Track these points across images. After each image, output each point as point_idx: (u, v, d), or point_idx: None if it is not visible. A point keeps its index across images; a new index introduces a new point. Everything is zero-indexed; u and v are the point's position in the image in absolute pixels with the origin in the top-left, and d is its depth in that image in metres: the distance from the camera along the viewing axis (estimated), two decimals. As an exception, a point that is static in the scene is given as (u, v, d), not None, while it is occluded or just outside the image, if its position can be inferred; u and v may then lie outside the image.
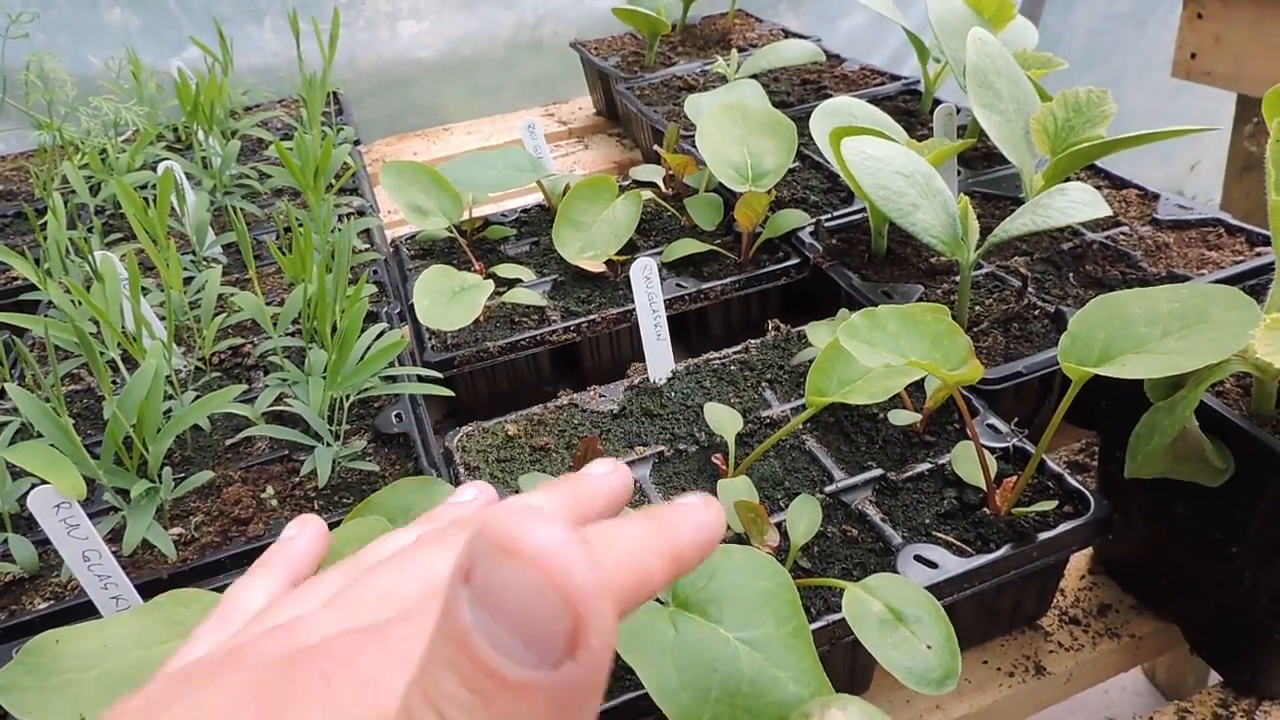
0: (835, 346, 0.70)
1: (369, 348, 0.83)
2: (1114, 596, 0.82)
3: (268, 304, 1.07)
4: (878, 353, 0.62)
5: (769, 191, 1.07)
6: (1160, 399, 0.63)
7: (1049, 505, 0.69)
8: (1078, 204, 0.83)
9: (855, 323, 0.63)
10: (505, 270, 1.12)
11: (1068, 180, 0.95)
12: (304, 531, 0.48)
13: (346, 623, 0.31)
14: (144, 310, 0.92)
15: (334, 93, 1.75)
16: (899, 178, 0.86)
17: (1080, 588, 0.83)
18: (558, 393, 0.92)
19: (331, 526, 0.61)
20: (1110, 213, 0.84)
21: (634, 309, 1.02)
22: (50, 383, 0.67)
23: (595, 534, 0.32)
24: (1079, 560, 0.85)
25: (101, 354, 0.94)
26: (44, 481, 0.64)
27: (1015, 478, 0.71)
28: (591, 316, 1.03)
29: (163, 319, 0.98)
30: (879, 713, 0.37)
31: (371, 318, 1.03)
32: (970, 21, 1.20)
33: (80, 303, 0.91)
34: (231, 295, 0.97)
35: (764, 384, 0.90)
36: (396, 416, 0.87)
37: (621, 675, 0.62)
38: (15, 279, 1.25)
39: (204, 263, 1.17)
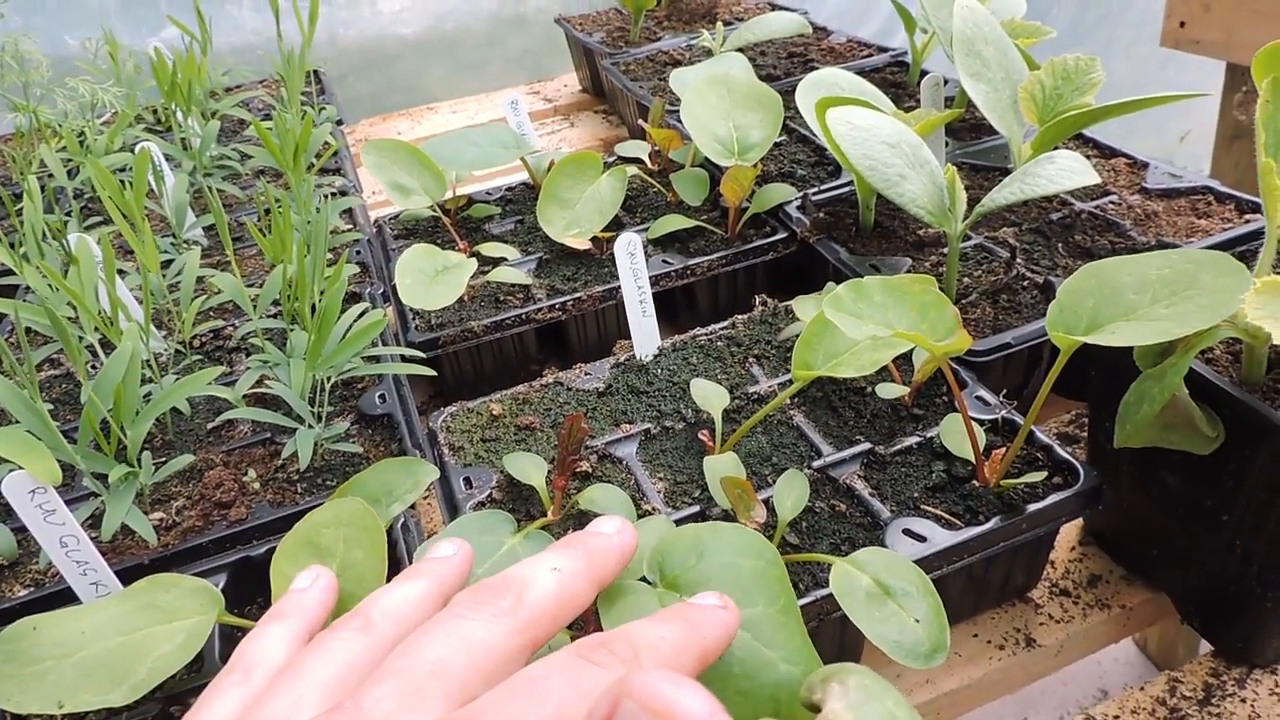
0: (822, 320, 0.69)
1: (350, 328, 0.81)
2: (1104, 567, 0.81)
3: (249, 286, 1.06)
4: (864, 324, 0.61)
5: (755, 165, 1.06)
6: (1150, 367, 0.62)
7: (1038, 476, 0.69)
8: (1066, 172, 0.82)
9: (840, 295, 0.62)
10: (489, 249, 1.10)
11: (1056, 149, 0.94)
12: (316, 584, 0.49)
13: (408, 708, 0.33)
14: (121, 293, 0.91)
15: (315, 72, 1.73)
16: (885, 148, 0.85)
17: (1070, 559, 0.82)
18: (543, 372, 0.91)
19: (314, 508, 0.60)
20: (1098, 180, 0.83)
21: (620, 286, 1.02)
22: (25, 368, 0.66)
23: (640, 632, 0.36)
24: (1069, 531, 0.84)
25: (80, 338, 0.93)
26: (18, 467, 0.63)
27: (1004, 449, 0.71)
28: (577, 294, 1.01)
29: (141, 302, 0.96)
30: (880, 681, 0.37)
31: (354, 298, 1.02)
32: (957, -10, 1.18)
33: (58, 287, 0.90)
34: (211, 277, 0.96)
35: (751, 360, 0.89)
36: (380, 398, 0.86)
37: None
38: (-7, 264, 1.23)
39: (184, 245, 1.16)
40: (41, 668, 0.58)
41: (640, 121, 1.34)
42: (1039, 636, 0.76)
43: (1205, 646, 0.76)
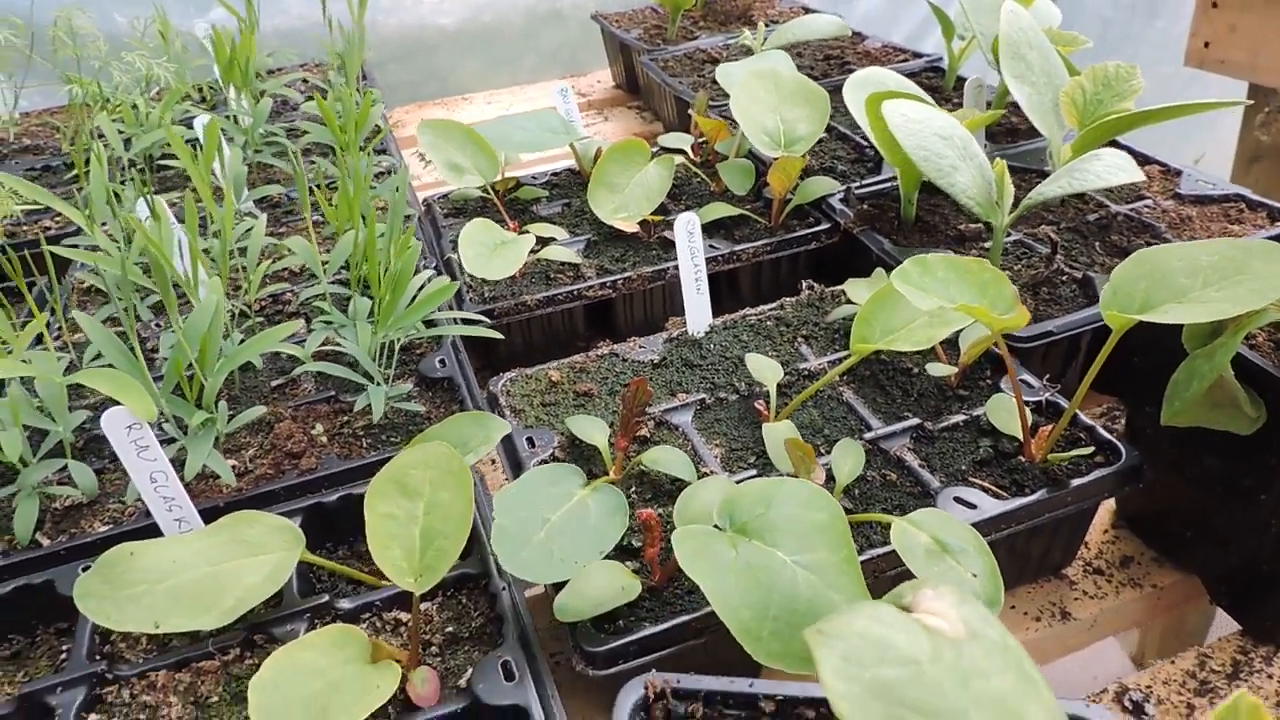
0: (880, 296, 0.73)
1: (418, 293, 0.85)
2: (1136, 549, 0.84)
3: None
4: (929, 297, 0.64)
5: (802, 157, 1.09)
6: (1198, 348, 0.65)
7: (1085, 451, 0.72)
8: (1113, 169, 0.85)
9: (907, 269, 0.65)
10: (539, 229, 1.13)
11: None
12: None
13: None
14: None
15: (359, 57, 1.76)
16: (938, 140, 0.88)
17: (1103, 541, 0.85)
18: (590, 348, 0.94)
19: (382, 463, 0.63)
20: (1144, 178, 0.86)
21: (667, 268, 1.05)
22: (125, 305, 0.69)
23: None
24: (1102, 515, 0.87)
25: (146, 295, 0.97)
26: (114, 403, 0.66)
27: (1050, 427, 0.74)
28: (627, 274, 1.05)
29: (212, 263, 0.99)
30: (969, 594, 0.40)
31: (411, 270, 1.05)
32: (999, -3, 1.22)
33: (129, 243, 0.93)
34: (277, 243, 0.99)
35: (800, 339, 0.92)
36: (440, 362, 0.89)
37: (681, 595, 0.65)
38: (48, 228, 1.26)
39: (239, 216, 1.19)
40: (137, 591, 0.61)
41: (681, 115, 1.38)
42: (1074, 610, 0.79)
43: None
